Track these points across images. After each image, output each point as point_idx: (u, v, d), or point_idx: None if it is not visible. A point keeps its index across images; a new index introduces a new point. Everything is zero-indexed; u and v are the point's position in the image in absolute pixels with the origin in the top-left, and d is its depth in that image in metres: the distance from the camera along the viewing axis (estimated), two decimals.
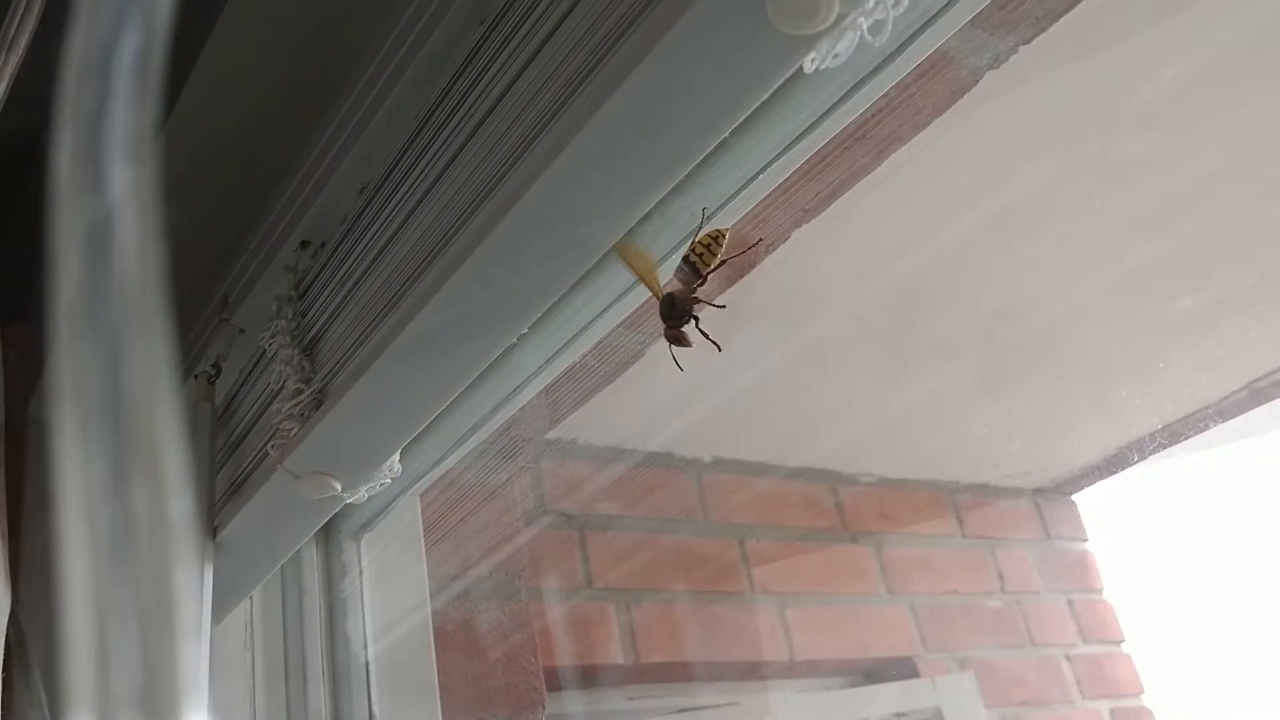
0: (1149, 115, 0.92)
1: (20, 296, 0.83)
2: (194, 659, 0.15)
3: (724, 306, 0.67)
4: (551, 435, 1.83)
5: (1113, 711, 2.16)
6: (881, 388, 1.83)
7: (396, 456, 0.48)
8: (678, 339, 0.63)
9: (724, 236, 0.61)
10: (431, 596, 0.76)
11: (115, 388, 0.14)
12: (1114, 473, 2.31)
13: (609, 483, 1.78)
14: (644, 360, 0.81)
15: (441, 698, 0.73)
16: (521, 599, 0.95)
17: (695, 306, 0.60)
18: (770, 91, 0.33)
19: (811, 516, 2.00)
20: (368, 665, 0.69)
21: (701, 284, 0.62)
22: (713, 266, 0.61)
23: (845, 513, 2.05)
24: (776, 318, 1.56)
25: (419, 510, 0.79)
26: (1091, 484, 2.36)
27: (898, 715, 1.77)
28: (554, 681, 1.53)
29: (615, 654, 1.65)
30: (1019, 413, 2.02)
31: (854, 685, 1.86)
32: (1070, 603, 2.27)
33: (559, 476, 1.75)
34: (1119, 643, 2.28)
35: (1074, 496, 2.41)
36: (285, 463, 0.45)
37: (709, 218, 0.55)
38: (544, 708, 0.91)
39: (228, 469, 0.54)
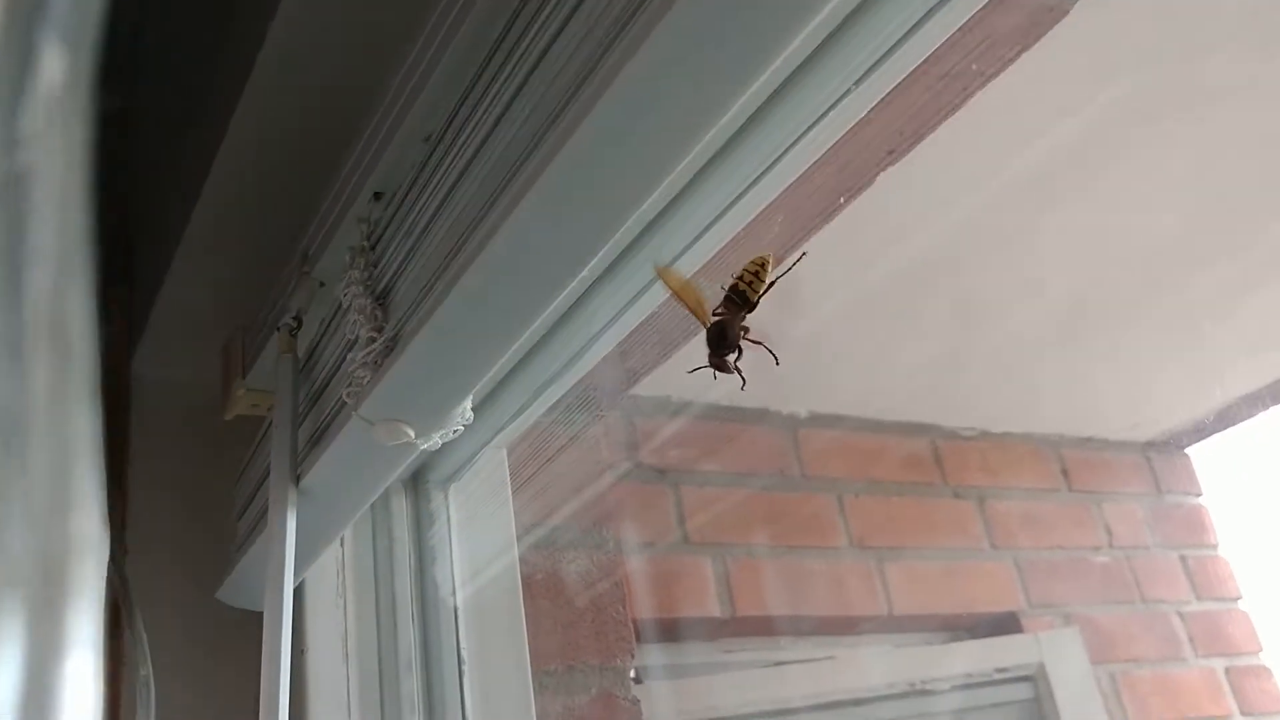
0: (1244, 36, 0.87)
1: (124, 260, 0.86)
2: (89, 535, 0.16)
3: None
4: (643, 391, 1.84)
5: (1228, 670, 2.09)
6: (982, 339, 1.79)
7: (468, 403, 0.48)
8: (721, 367, 0.63)
9: (769, 262, 0.59)
10: (518, 545, 0.78)
11: (14, 266, 0.14)
12: (1230, 425, 2.23)
13: (702, 438, 1.78)
14: None
15: (530, 645, 0.75)
16: (610, 549, 0.96)
17: (742, 335, 0.60)
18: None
19: (911, 471, 1.97)
20: (456, 610, 0.70)
21: (751, 311, 0.62)
22: (762, 292, 0.60)
23: (946, 467, 2.01)
24: (869, 267, 1.54)
25: (505, 461, 0.80)
26: (1206, 437, 2.27)
27: (1000, 670, 1.74)
28: (648, 633, 1.54)
29: (711, 607, 1.66)
30: (1128, 364, 1.96)
31: (955, 640, 1.84)
32: (1183, 558, 2.19)
33: (651, 432, 1.76)
34: (1235, 600, 2.20)
35: (1187, 450, 2.33)
36: (360, 410, 0.46)
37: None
38: (633, 656, 0.92)
39: (310, 418, 0.55)
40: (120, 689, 0.60)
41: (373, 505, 0.73)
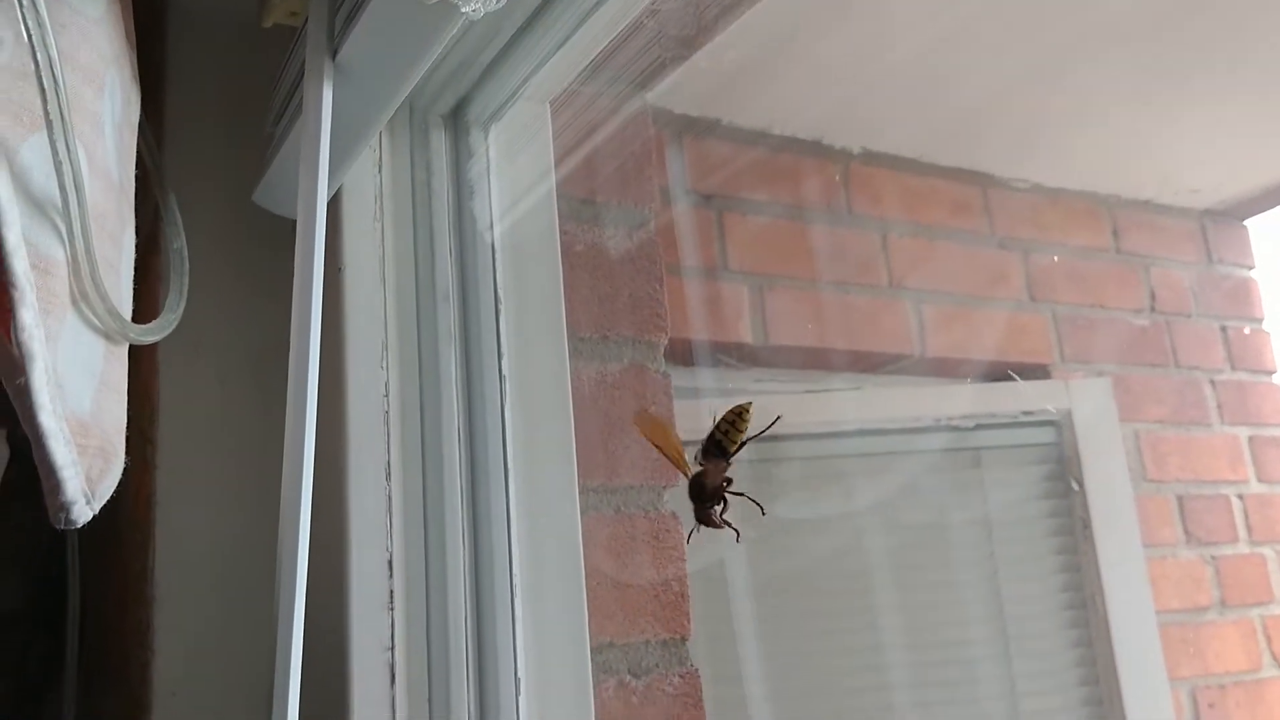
0: None
1: None
2: None
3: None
4: (692, 111, 1.79)
5: (1251, 439, 2.12)
6: (1044, 87, 1.71)
7: None
8: (707, 520, 0.62)
9: (748, 411, 0.60)
10: (557, 206, 0.76)
11: None
12: None
13: (751, 166, 1.74)
14: None
15: (567, 312, 0.74)
16: (649, 230, 0.95)
17: (725, 486, 0.60)
18: None
19: (958, 217, 1.94)
20: (494, 247, 0.70)
21: (729, 465, 0.60)
22: (739, 445, 0.60)
23: (994, 217, 1.98)
24: (938, 4, 1.45)
25: (549, 118, 0.78)
26: (1267, 210, 2.21)
27: (1026, 413, 1.76)
28: (677, 353, 1.56)
29: (744, 333, 1.67)
30: (1194, 124, 1.88)
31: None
32: (1224, 329, 2.18)
33: (698, 154, 1.72)
34: (1270, 373, 2.20)
35: (1246, 221, 2.27)
36: None
37: None
38: (666, 333, 0.92)
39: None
40: (157, 257, 0.61)
41: (410, 139, 0.72)
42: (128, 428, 0.47)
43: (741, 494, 0.66)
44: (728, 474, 0.64)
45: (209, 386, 0.72)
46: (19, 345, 0.34)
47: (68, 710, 0.89)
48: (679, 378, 1.01)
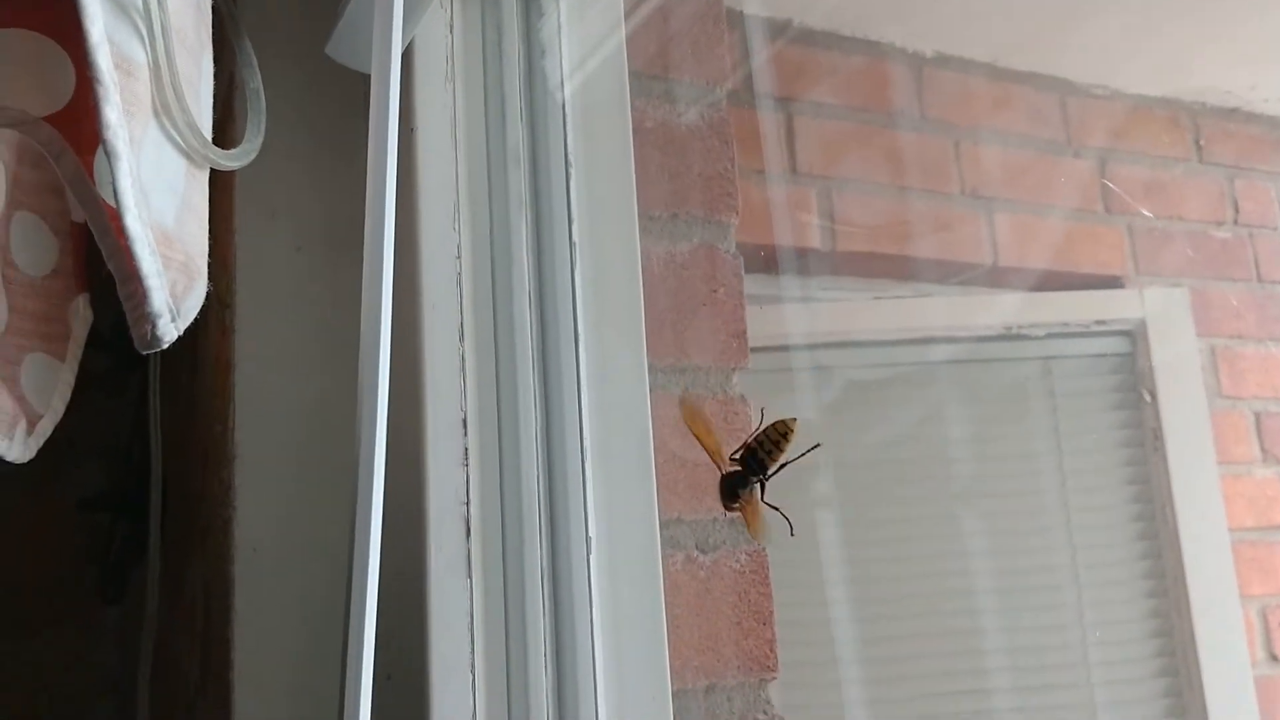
0: None
1: None
2: None
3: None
4: (763, 12, 1.75)
5: None
6: None
7: None
8: (730, 510, 0.63)
9: (793, 432, 0.59)
10: (629, 89, 0.75)
11: None
12: None
13: (822, 68, 1.70)
14: None
15: (637, 191, 0.74)
16: (722, 109, 0.93)
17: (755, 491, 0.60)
18: None
19: (1033, 124, 1.88)
20: (563, 107, 0.69)
21: (765, 478, 0.60)
22: (776, 467, 0.59)
23: (1071, 124, 1.92)
24: None
25: None
26: None
27: (1099, 322, 1.72)
28: (748, 262, 1.54)
29: (812, 239, 1.65)
30: None
31: None
32: None
33: (768, 55, 1.69)
34: None
35: None
36: None
37: None
38: (737, 214, 0.91)
39: None
40: (233, 96, 0.61)
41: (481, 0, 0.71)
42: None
43: (777, 508, 0.66)
44: (763, 478, 0.65)
45: (284, 250, 0.72)
46: (105, 144, 0.35)
47: (152, 587, 0.92)
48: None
